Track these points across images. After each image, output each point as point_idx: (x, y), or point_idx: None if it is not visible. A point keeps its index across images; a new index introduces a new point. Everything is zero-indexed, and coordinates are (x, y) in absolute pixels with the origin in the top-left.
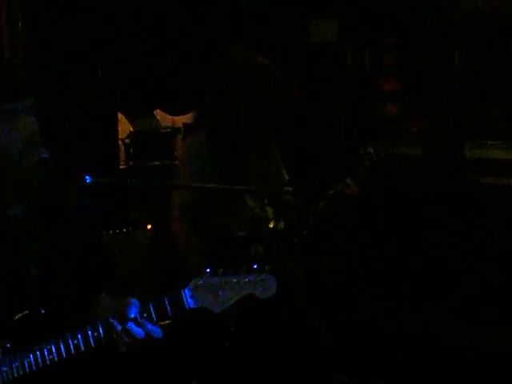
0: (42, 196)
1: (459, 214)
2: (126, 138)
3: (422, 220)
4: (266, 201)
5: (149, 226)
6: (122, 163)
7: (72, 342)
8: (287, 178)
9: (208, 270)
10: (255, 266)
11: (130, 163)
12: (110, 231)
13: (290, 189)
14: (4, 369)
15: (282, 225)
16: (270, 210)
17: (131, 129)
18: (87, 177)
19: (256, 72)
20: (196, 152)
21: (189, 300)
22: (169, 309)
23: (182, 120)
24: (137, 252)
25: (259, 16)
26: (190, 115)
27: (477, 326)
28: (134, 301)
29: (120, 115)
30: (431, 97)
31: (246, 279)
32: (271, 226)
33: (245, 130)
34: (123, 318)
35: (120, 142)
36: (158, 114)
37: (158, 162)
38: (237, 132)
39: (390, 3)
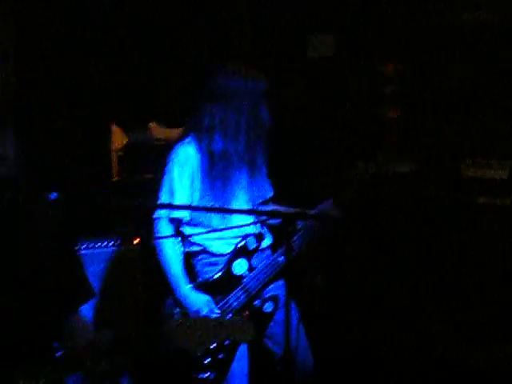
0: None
1: (454, 233)
2: (120, 150)
3: (416, 239)
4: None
5: (136, 241)
6: (115, 176)
7: None
8: (272, 193)
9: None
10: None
11: (124, 176)
12: (95, 245)
13: (272, 208)
14: None
15: (269, 241)
16: (257, 227)
17: (125, 141)
18: (53, 193)
19: (247, 85)
20: (183, 161)
21: (167, 340)
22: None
23: (177, 133)
24: (123, 267)
25: (256, 30)
26: None
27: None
28: (111, 335)
29: (115, 127)
30: (430, 114)
31: (226, 323)
32: (258, 242)
33: (234, 142)
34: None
35: (113, 155)
36: (153, 126)
37: (151, 176)
38: (226, 144)
39: (389, 17)
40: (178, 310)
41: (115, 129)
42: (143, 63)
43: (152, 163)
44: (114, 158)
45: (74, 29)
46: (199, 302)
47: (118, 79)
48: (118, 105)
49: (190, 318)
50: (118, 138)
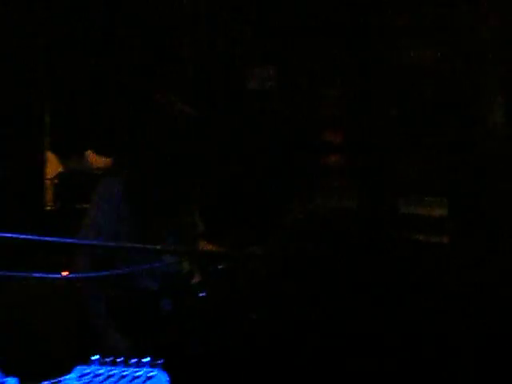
0: None
1: (392, 270)
2: (55, 178)
3: (353, 276)
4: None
5: (64, 273)
6: (49, 204)
7: None
8: (202, 228)
9: (96, 357)
10: (147, 360)
11: (58, 204)
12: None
13: (197, 249)
14: None
15: (196, 280)
16: (186, 264)
17: (61, 169)
18: None
19: (176, 119)
20: (109, 197)
21: None
22: None
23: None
24: (49, 300)
25: (196, 61)
26: None
27: None
28: (12, 381)
29: (50, 154)
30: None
31: (135, 373)
32: (185, 280)
33: (161, 178)
34: None
35: (49, 182)
36: (90, 155)
37: (87, 205)
38: (152, 181)
39: (332, 50)
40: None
41: (51, 156)
42: (81, 91)
43: (88, 192)
44: (49, 186)
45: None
46: (119, 344)
47: (56, 106)
48: (54, 132)
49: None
50: (54, 166)
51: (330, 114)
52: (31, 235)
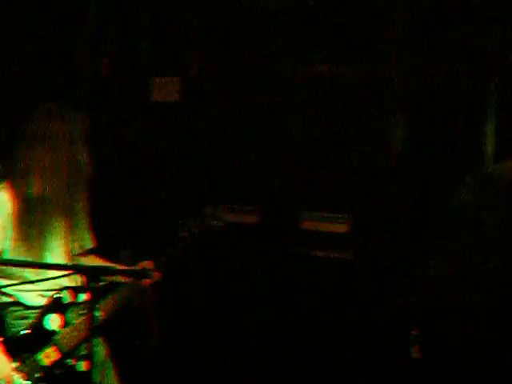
0: None
1: (290, 286)
2: None
3: (253, 294)
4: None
5: None
6: None
7: None
8: (91, 244)
9: None
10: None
11: None
12: None
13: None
14: None
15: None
16: (78, 279)
17: None
18: None
19: (64, 127)
20: None
21: None
22: None
23: None
24: None
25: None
26: None
27: None
28: None
29: None
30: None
31: None
32: (74, 296)
33: (50, 188)
34: None
35: None
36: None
37: None
38: (42, 190)
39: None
40: None
41: None
42: None
43: None
44: None
45: None
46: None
47: None
48: None
49: None
50: None
51: (231, 127)
52: None
